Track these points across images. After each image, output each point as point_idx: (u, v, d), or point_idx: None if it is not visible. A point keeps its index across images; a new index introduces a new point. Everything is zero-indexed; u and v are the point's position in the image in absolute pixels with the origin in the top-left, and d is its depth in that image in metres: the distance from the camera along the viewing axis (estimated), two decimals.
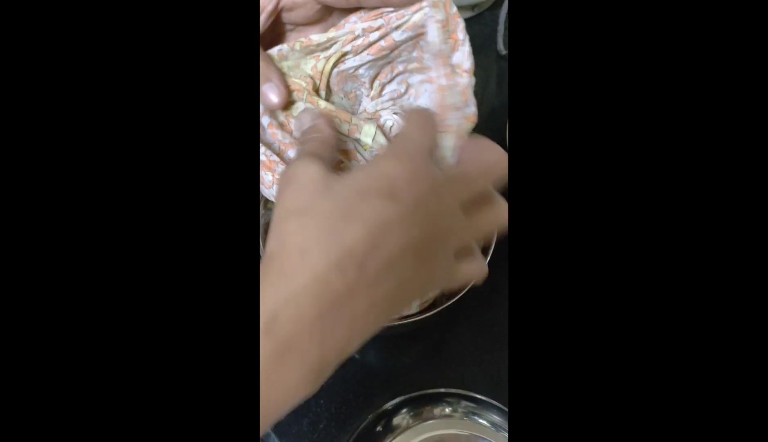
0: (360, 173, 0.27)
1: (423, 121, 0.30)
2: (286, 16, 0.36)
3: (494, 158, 0.30)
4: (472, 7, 0.68)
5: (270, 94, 0.35)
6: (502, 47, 0.65)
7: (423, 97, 0.37)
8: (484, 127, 0.53)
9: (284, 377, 0.24)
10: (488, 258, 0.42)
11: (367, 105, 0.40)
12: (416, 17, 0.35)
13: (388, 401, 0.43)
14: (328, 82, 0.38)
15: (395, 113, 0.39)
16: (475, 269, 0.32)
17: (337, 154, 0.35)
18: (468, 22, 0.71)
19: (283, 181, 0.29)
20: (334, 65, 0.37)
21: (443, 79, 0.35)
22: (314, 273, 0.25)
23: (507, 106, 0.51)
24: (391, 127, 0.39)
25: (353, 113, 0.38)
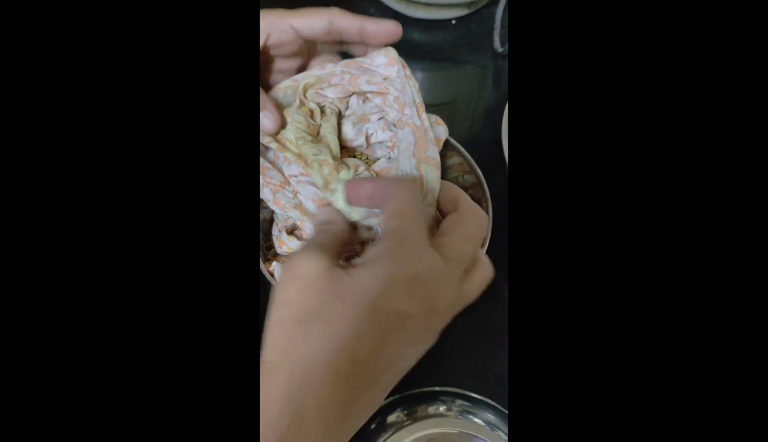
0: (365, 273, 0.27)
1: (414, 199, 0.30)
2: (274, 51, 0.39)
3: (484, 222, 0.32)
4: (469, 4, 0.68)
5: (265, 120, 0.36)
6: (498, 45, 0.65)
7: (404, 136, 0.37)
8: (482, 125, 0.53)
9: None
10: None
11: (356, 109, 0.41)
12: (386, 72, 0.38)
13: None
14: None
15: (380, 118, 0.40)
16: (481, 283, 0.32)
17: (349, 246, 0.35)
18: (464, 19, 0.71)
19: (286, 275, 0.28)
20: (311, 86, 0.40)
21: (416, 119, 0.37)
22: (322, 392, 0.24)
23: (503, 104, 0.51)
24: (372, 135, 0.40)
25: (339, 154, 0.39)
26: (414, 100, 0.37)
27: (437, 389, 0.43)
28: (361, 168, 0.37)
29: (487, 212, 0.44)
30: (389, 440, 0.41)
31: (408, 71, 0.38)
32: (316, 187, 0.37)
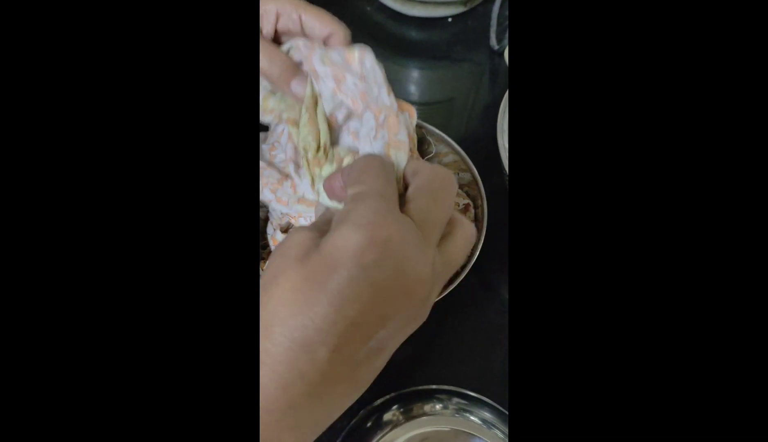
0: (329, 241, 0.25)
1: (381, 167, 0.29)
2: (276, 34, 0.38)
3: (451, 182, 0.29)
4: (465, 2, 0.68)
5: (299, 88, 0.36)
6: (494, 43, 0.64)
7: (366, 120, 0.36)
8: (478, 123, 0.53)
9: None
10: (468, 269, 0.42)
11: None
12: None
13: (378, 398, 0.43)
14: None
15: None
16: (463, 246, 0.29)
17: None
18: (461, 17, 0.71)
19: (273, 252, 0.27)
20: None
21: (385, 99, 0.35)
22: (279, 357, 0.23)
23: (499, 102, 0.51)
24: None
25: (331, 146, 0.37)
26: (377, 80, 0.35)
27: (434, 387, 0.43)
28: (346, 160, 0.35)
29: (482, 211, 0.44)
30: (384, 438, 0.41)
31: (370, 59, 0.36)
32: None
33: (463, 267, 0.41)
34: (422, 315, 0.28)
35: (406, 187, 0.30)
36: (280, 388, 0.23)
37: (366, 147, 0.34)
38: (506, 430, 0.41)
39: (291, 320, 0.24)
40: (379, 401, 0.43)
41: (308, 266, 0.24)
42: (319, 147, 0.36)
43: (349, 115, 0.38)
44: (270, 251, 0.39)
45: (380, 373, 0.43)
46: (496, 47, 0.63)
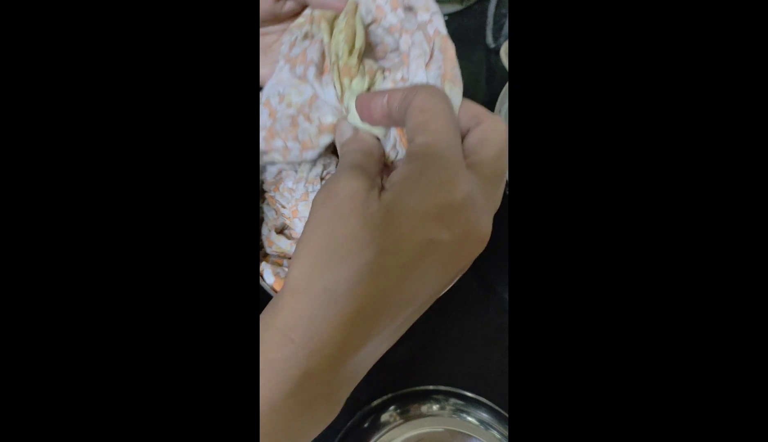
0: (394, 197, 0.24)
1: (437, 107, 0.26)
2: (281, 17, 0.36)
3: (506, 136, 0.27)
4: (461, 0, 0.68)
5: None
6: (491, 40, 0.64)
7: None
8: None
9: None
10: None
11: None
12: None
13: (376, 398, 0.43)
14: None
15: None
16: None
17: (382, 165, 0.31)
18: (456, 15, 0.70)
19: (322, 195, 0.26)
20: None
21: (441, 27, 0.31)
22: (342, 323, 0.24)
23: (496, 100, 0.51)
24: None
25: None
26: (430, 8, 0.31)
27: (431, 387, 0.43)
28: (379, 77, 0.31)
29: None
30: (381, 439, 0.41)
31: None
32: (334, 99, 0.32)
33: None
34: (463, 269, 0.27)
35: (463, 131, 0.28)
36: (346, 323, 0.24)
37: (419, 73, 0.30)
38: (504, 431, 0.41)
39: (339, 272, 0.24)
40: (376, 402, 0.43)
41: (370, 223, 0.24)
42: (352, 51, 0.31)
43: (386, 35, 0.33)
44: (265, 253, 0.39)
45: (378, 373, 0.43)
46: (493, 45, 0.63)
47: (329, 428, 0.27)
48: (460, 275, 0.27)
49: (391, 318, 0.25)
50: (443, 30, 0.30)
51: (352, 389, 0.26)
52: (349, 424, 0.42)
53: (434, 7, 0.31)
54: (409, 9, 0.32)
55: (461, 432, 0.41)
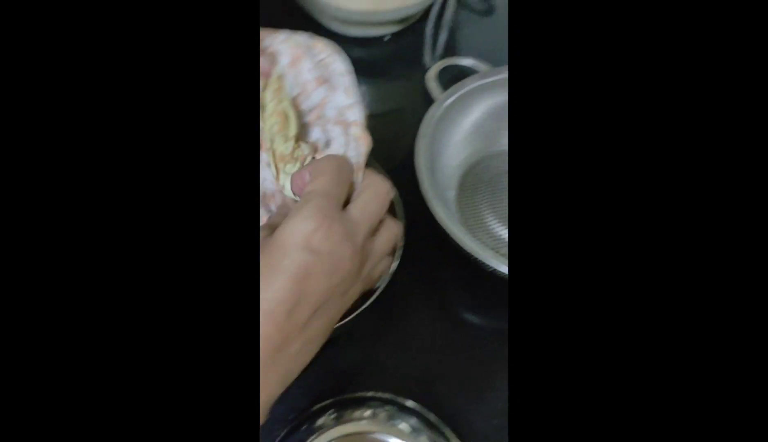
0: (283, 230, 0.31)
1: (337, 171, 0.34)
2: None
3: (385, 191, 0.36)
4: (401, 21, 0.70)
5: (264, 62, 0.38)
6: (428, 60, 0.67)
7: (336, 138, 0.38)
8: (412, 138, 0.55)
9: None
10: (398, 261, 0.45)
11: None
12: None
13: (316, 404, 0.44)
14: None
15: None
16: (388, 239, 0.37)
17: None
18: (397, 36, 0.73)
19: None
20: None
21: (357, 116, 0.37)
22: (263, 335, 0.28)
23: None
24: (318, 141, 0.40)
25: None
26: (343, 83, 0.37)
27: (369, 394, 0.44)
28: (309, 159, 0.37)
29: (400, 216, 0.48)
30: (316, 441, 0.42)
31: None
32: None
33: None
34: (356, 289, 0.35)
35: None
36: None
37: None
38: (434, 436, 0.43)
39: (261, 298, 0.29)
40: (316, 407, 0.44)
41: (265, 252, 0.30)
42: (287, 140, 0.37)
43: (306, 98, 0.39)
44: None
45: (323, 380, 0.44)
46: (428, 66, 0.65)
47: (266, 433, 0.28)
48: (348, 294, 0.34)
49: (302, 332, 0.30)
50: (361, 118, 0.37)
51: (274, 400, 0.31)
52: (287, 429, 0.43)
53: (355, 96, 0.38)
54: (331, 88, 0.38)
55: (384, 436, 0.42)
